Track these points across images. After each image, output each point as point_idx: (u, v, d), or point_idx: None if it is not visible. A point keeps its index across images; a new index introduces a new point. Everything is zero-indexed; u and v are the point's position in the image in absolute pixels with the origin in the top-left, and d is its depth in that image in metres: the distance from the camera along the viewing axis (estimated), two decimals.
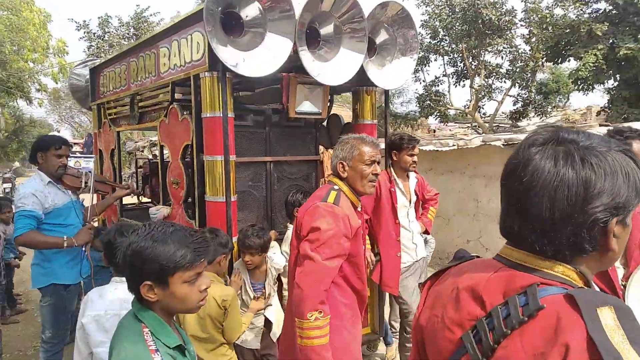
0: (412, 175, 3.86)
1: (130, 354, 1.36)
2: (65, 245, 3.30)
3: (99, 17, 20.08)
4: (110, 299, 2.26)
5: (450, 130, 19.47)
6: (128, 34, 20.30)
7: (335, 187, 2.34)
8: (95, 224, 3.57)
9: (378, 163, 2.40)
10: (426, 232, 4.00)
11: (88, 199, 3.92)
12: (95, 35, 19.81)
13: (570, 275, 0.88)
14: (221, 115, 2.91)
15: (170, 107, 3.37)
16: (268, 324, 3.14)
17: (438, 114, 16.94)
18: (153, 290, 1.40)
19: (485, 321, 0.88)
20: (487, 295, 0.92)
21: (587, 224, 0.84)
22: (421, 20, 15.55)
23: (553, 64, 14.48)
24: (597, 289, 0.90)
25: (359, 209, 2.47)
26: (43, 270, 3.42)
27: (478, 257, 1.11)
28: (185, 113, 3.25)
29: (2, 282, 4.37)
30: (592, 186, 0.83)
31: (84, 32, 19.65)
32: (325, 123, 4.17)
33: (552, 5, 12.76)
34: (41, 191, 3.35)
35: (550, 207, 0.85)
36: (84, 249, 3.51)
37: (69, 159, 3.55)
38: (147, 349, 1.37)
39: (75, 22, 19.50)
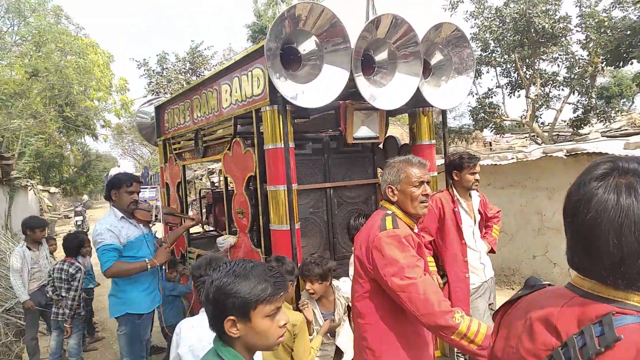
0: (474, 194, 3.80)
1: None
2: (148, 267, 3.56)
3: (157, 55, 21.20)
4: (202, 329, 2.36)
5: (507, 142, 18.93)
6: (184, 68, 21.26)
7: (389, 212, 2.31)
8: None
9: (428, 183, 2.35)
10: (491, 251, 3.89)
11: (159, 231, 4.14)
12: (154, 72, 20.88)
13: None
14: (282, 146, 3.01)
15: (234, 140, 3.51)
16: (339, 353, 3.15)
17: (493, 126, 16.51)
18: (236, 326, 1.44)
19: (561, 351, 0.88)
20: (561, 325, 0.92)
21: None
22: (471, 34, 15.33)
23: (614, 68, 13.85)
24: None
25: (415, 231, 2.45)
26: (118, 301, 3.61)
27: (550, 284, 1.10)
28: (247, 145, 3.38)
29: (82, 314, 4.64)
30: None
31: (144, 70, 20.77)
32: (382, 145, 4.19)
33: (610, 7, 12.28)
34: (115, 226, 3.58)
35: (617, 243, 0.84)
36: (160, 274, 3.71)
37: None
38: None
39: (136, 61, 20.66)
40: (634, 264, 0.84)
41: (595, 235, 0.87)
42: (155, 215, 3.94)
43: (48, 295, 4.66)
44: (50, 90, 20.28)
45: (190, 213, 4.62)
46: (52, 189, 26.13)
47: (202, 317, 2.40)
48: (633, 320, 0.83)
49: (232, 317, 1.42)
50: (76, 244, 4.82)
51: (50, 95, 20.56)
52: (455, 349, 4.08)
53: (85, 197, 33.27)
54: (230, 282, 1.43)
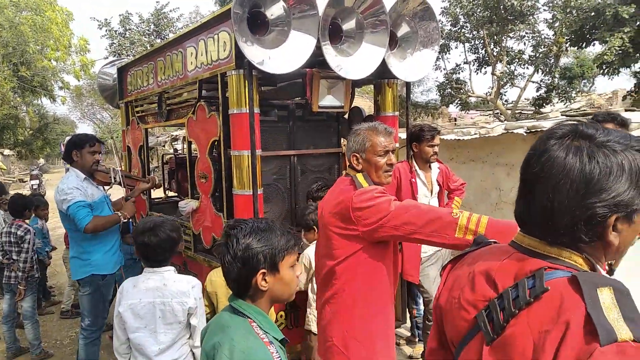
0: (434, 165, 3.90)
1: (245, 348, 1.38)
2: (121, 219, 3.65)
3: (120, 15, 20.37)
4: (144, 288, 2.41)
5: (472, 118, 19.29)
6: (149, 30, 20.56)
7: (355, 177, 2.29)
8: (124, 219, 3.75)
9: (393, 152, 2.33)
10: None
11: (114, 195, 4.13)
12: (117, 32, 20.10)
13: (577, 261, 0.93)
14: (248, 111, 3.00)
15: (198, 104, 3.48)
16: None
17: (459, 102, 16.80)
18: (265, 279, 1.48)
19: (497, 302, 0.95)
20: (499, 278, 0.99)
21: (584, 217, 0.88)
22: (441, 8, 15.40)
23: (577, 49, 14.21)
24: (603, 273, 0.95)
25: None
26: (83, 262, 3.60)
27: (495, 242, 1.18)
28: (212, 110, 3.35)
29: (36, 276, 4.56)
30: (593, 183, 0.87)
31: (106, 30, 19.96)
32: (347, 115, 4.22)
33: None
34: (81, 186, 3.55)
35: (552, 197, 0.90)
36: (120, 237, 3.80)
37: None
38: (262, 341, 1.42)
39: (97, 20, 19.81)
40: (561, 220, 0.90)
41: (536, 187, 0.94)
42: (114, 178, 3.93)
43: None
44: (4, 47, 19.30)
45: (155, 177, 4.57)
46: (6, 152, 25.18)
47: (144, 277, 2.44)
48: (562, 274, 0.90)
49: (263, 270, 1.46)
50: (21, 206, 4.69)
51: (3, 53, 19.58)
52: (408, 313, 4.26)
53: (42, 160, 32.20)
54: (260, 237, 1.47)
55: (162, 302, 2.38)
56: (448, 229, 1.94)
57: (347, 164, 2.37)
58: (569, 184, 0.88)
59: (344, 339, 2.24)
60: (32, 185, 16.60)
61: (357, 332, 2.23)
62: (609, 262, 1.02)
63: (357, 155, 2.29)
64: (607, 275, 0.93)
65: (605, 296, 0.82)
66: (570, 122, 0.98)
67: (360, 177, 2.23)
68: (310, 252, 3.09)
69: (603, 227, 0.89)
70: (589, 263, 0.94)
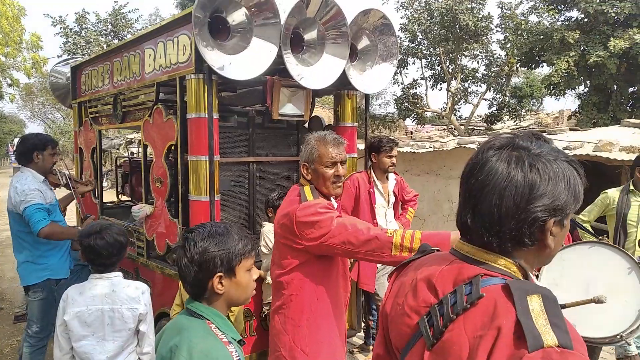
0: (391, 176, 3.98)
1: (204, 348, 1.39)
2: (78, 235, 3.42)
3: (75, 13, 19.74)
4: (91, 295, 2.34)
5: (427, 132, 19.79)
6: (106, 30, 20.03)
7: (302, 188, 2.29)
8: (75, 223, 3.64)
9: (343, 163, 2.30)
10: None
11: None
12: (72, 31, 19.47)
13: (511, 268, 0.99)
14: (206, 116, 2.98)
15: (155, 107, 3.42)
16: None
17: (415, 116, 17.19)
18: (221, 283, 1.48)
19: (437, 308, 0.99)
20: (440, 284, 1.03)
21: (528, 221, 0.94)
22: (400, 24, 15.78)
23: (527, 69, 14.88)
24: (536, 282, 1.02)
25: (334, 206, 2.44)
26: (38, 267, 3.46)
27: (438, 250, 1.23)
28: (169, 113, 3.30)
29: None
30: (536, 188, 0.94)
31: (60, 28, 19.30)
32: (307, 124, 4.26)
33: (527, 12, 13.13)
34: (41, 188, 3.45)
35: (498, 203, 0.95)
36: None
37: None
38: (220, 341, 1.43)
39: (51, 17, 19.13)
40: (507, 224, 0.95)
41: (482, 195, 0.98)
42: (61, 179, 3.86)
43: None
44: None
45: (105, 184, 4.47)
46: None
47: (91, 283, 2.37)
48: (497, 281, 0.95)
49: (220, 273, 1.47)
50: None
51: None
52: (363, 321, 4.31)
53: None
54: (217, 241, 1.48)
55: (111, 308, 2.32)
56: (384, 248, 1.99)
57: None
58: (514, 190, 0.94)
59: (291, 349, 2.24)
60: None
61: (304, 343, 2.23)
62: (540, 266, 1.09)
63: (307, 165, 2.28)
64: (538, 284, 0.99)
65: (535, 303, 0.87)
66: (505, 134, 1.05)
67: (307, 189, 2.23)
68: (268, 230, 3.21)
69: (543, 230, 0.96)
70: (522, 270, 1.00)
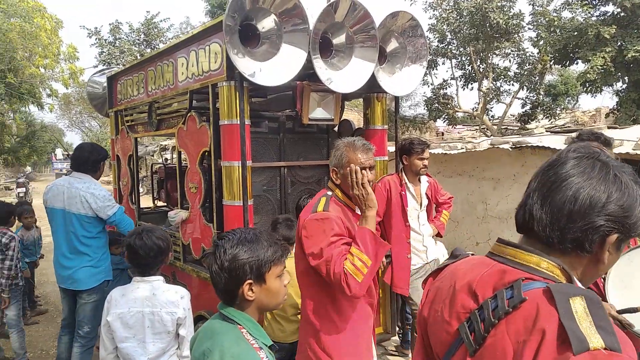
0: (423, 179, 3.94)
1: (235, 353, 1.40)
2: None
3: (110, 24, 20.36)
4: (133, 298, 2.41)
5: (458, 132, 19.52)
6: (139, 39, 20.56)
7: (329, 192, 2.34)
8: None
9: (371, 168, 2.34)
10: (438, 235, 4.07)
11: None
12: (107, 41, 20.07)
13: (554, 272, 0.98)
14: (238, 122, 3.03)
15: (189, 114, 3.50)
16: None
17: (446, 116, 17.00)
18: (252, 289, 1.50)
19: (477, 313, 0.98)
20: (480, 289, 1.02)
21: (595, 227, 0.94)
22: (429, 24, 15.64)
23: (561, 67, 14.51)
24: (580, 285, 0.98)
25: (358, 211, 2.45)
26: (97, 270, 3.63)
27: (473, 254, 1.22)
28: (203, 120, 3.38)
29: (20, 284, 4.50)
30: (614, 198, 0.95)
31: (96, 39, 19.91)
32: (336, 128, 4.28)
33: (560, 8, 12.82)
34: None
35: (573, 199, 0.95)
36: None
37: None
38: (252, 347, 1.45)
39: (87, 29, 19.77)
40: (576, 223, 0.96)
41: (558, 186, 0.98)
42: None
43: None
44: None
45: (141, 190, 4.62)
46: None
47: (133, 286, 2.44)
48: (539, 285, 0.94)
49: (250, 281, 1.48)
50: (5, 212, 4.64)
51: None
52: (397, 326, 4.28)
53: (29, 168, 31.77)
54: (246, 248, 1.49)
55: (151, 311, 2.38)
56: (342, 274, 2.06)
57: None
58: (593, 192, 0.95)
59: (315, 352, 2.28)
60: (18, 193, 16.38)
61: (326, 346, 2.26)
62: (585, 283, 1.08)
63: (336, 170, 2.33)
64: (580, 286, 0.97)
65: (578, 305, 0.86)
66: (591, 147, 1.05)
67: (322, 200, 2.28)
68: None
69: (603, 242, 0.96)
70: (565, 274, 0.98)
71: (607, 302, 2.28)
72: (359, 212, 2.44)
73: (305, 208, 2.36)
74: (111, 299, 2.47)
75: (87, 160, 3.70)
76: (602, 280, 2.29)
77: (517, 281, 0.95)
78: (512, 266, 1.01)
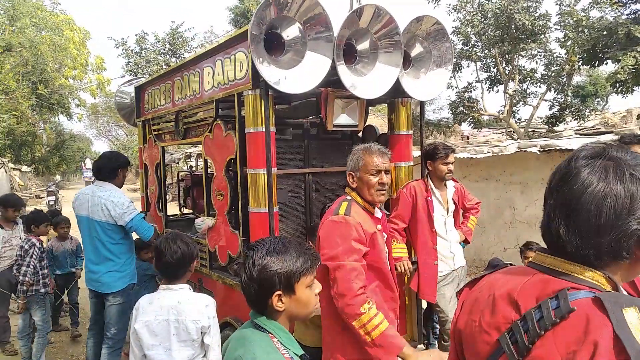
0: (450, 184, 3.89)
1: None
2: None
3: (136, 35, 20.82)
4: (159, 306, 2.44)
5: (484, 136, 19.26)
6: (164, 49, 20.94)
7: (348, 197, 2.44)
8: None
9: (387, 172, 2.43)
10: (466, 241, 4.01)
11: None
12: (133, 51, 20.50)
13: (599, 280, 0.95)
14: (264, 130, 3.05)
15: (215, 123, 3.54)
16: None
17: (471, 120, 16.78)
18: (281, 300, 1.50)
19: (520, 324, 0.96)
20: (522, 300, 0.99)
21: (628, 233, 0.91)
22: (452, 27, 15.49)
23: (590, 67, 14.18)
24: (625, 293, 0.97)
25: (377, 215, 2.55)
26: (122, 274, 3.79)
27: (512, 264, 1.19)
28: (228, 129, 3.41)
29: (42, 291, 4.46)
30: (637, 199, 0.91)
31: (122, 49, 20.36)
32: (360, 134, 4.26)
33: (588, 7, 12.55)
34: None
35: (597, 213, 0.92)
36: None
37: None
38: (283, 356, 1.45)
39: (114, 40, 20.26)
40: (606, 235, 0.93)
41: (578, 204, 0.95)
42: None
43: (13, 273, 4.62)
44: (23, 66, 19.78)
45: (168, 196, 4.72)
46: (24, 168, 25.58)
47: (160, 295, 2.47)
48: (585, 294, 0.91)
49: (279, 292, 1.48)
50: (30, 220, 4.74)
51: (23, 72, 20.05)
52: (431, 334, 4.22)
53: (58, 177, 32.58)
54: (275, 259, 1.49)
55: (176, 319, 2.40)
56: (350, 314, 2.17)
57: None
58: (614, 200, 0.92)
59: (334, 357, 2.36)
60: (48, 201, 16.79)
61: (345, 352, 2.31)
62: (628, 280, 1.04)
63: (352, 173, 2.45)
64: (631, 295, 0.95)
65: (631, 316, 0.83)
66: (597, 143, 1.02)
67: (344, 205, 2.37)
68: None
69: (639, 242, 0.93)
70: (611, 283, 0.96)
71: None
72: (377, 216, 2.48)
73: (328, 211, 2.44)
74: (139, 307, 2.50)
75: (105, 168, 3.87)
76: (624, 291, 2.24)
77: (563, 291, 0.92)
78: (555, 276, 0.99)
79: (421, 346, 4.24)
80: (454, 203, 3.88)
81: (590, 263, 0.96)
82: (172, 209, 6.61)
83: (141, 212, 4.24)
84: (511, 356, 0.96)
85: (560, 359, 0.88)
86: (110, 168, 3.86)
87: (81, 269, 5.40)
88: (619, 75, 10.88)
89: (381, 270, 2.43)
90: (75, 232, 5.72)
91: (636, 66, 10.60)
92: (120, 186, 3.90)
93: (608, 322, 0.84)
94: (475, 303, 1.14)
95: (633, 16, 11.71)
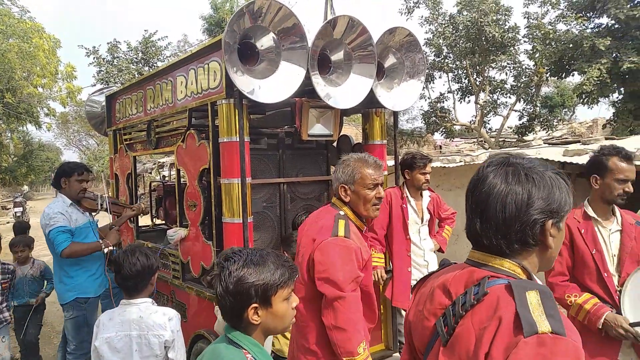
0: (425, 193, 3.93)
1: None
2: (102, 247, 3.65)
3: (108, 43, 20.45)
4: (120, 321, 2.36)
5: (456, 145, 19.55)
6: (137, 58, 20.65)
7: (341, 212, 2.24)
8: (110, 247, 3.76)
9: (381, 185, 2.29)
10: (440, 250, 4.05)
11: (102, 221, 4.12)
12: (105, 60, 20.15)
13: (515, 270, 1.12)
14: (238, 139, 3.03)
15: (188, 132, 3.50)
16: None
17: (444, 130, 17.05)
18: (257, 313, 1.46)
19: (450, 308, 1.12)
20: (453, 288, 1.17)
21: (530, 222, 1.09)
22: (425, 39, 15.77)
23: (557, 78, 14.62)
24: (539, 282, 1.11)
25: (363, 232, 2.39)
26: (66, 287, 3.64)
27: (456, 263, 1.32)
28: (202, 138, 3.37)
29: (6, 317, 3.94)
30: (533, 194, 1.09)
31: (94, 58, 20.00)
32: (335, 144, 4.27)
33: (555, 21, 12.95)
34: (66, 211, 3.62)
35: (502, 209, 1.10)
36: (105, 263, 3.77)
37: None
38: None
39: (85, 48, 19.87)
40: (512, 227, 1.10)
41: (487, 203, 1.13)
42: (101, 204, 3.97)
43: None
44: None
45: (141, 205, 4.56)
46: None
47: (120, 310, 2.39)
48: (502, 282, 1.08)
49: (255, 304, 1.45)
50: None
51: None
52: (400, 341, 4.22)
53: (26, 187, 31.71)
54: (252, 271, 1.45)
55: (138, 335, 2.32)
56: (346, 352, 2.04)
57: (334, 193, 2.34)
58: (515, 197, 1.10)
59: None
60: (15, 212, 16.31)
61: None
62: (545, 270, 1.22)
63: (346, 186, 2.23)
64: (537, 282, 1.10)
65: (532, 297, 1.00)
66: (501, 155, 1.21)
67: (341, 223, 2.17)
68: None
69: (543, 231, 1.10)
70: (526, 272, 1.13)
71: (621, 314, 2.29)
72: (366, 233, 2.41)
73: (320, 228, 2.20)
74: (99, 323, 2.42)
75: (53, 179, 3.85)
76: (617, 293, 2.33)
77: (483, 279, 1.10)
78: (479, 267, 1.16)
79: (397, 354, 4.26)
80: (429, 212, 3.92)
81: (504, 253, 1.12)
82: (144, 219, 6.50)
83: (109, 224, 4.09)
84: (443, 336, 1.11)
85: (475, 334, 1.03)
86: (55, 179, 3.79)
87: (46, 294, 4.63)
88: (584, 87, 11.24)
89: (369, 292, 2.31)
90: (41, 252, 5.28)
91: (601, 78, 10.97)
92: (71, 196, 3.70)
93: (513, 302, 1.00)
94: (421, 296, 1.30)
95: (597, 30, 12.14)
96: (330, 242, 2.11)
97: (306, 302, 2.18)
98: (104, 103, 5.13)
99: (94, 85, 19.80)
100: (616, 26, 11.63)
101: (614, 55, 11.17)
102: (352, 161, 2.26)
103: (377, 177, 2.23)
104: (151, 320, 2.34)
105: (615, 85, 11.65)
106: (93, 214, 3.99)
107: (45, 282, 4.67)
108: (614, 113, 12.91)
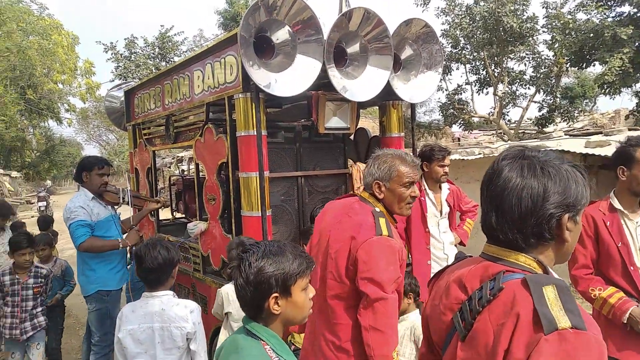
0: (444, 186, 3.90)
1: None
2: (120, 246, 3.71)
3: (125, 39, 20.65)
4: (142, 313, 2.39)
5: (475, 138, 19.36)
6: (153, 53, 20.84)
7: (377, 209, 2.17)
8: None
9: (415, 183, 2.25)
10: (461, 243, 4.02)
11: (124, 214, 4.19)
12: (122, 56, 20.37)
13: (531, 264, 1.11)
14: (255, 133, 3.05)
15: (206, 127, 3.53)
16: None
17: (462, 122, 16.87)
18: (278, 303, 1.48)
19: (467, 303, 1.13)
20: (469, 283, 1.17)
21: (546, 217, 1.08)
22: (441, 30, 15.58)
23: (577, 69, 14.34)
24: (555, 276, 1.11)
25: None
26: (88, 279, 3.70)
27: (471, 256, 1.32)
28: (219, 132, 3.40)
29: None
30: (549, 188, 1.08)
31: (112, 54, 20.23)
32: (352, 137, 4.27)
33: (574, 10, 12.68)
34: (87, 204, 3.68)
35: (518, 203, 1.09)
36: (128, 256, 3.86)
37: None
38: None
39: (103, 44, 20.10)
40: (528, 221, 1.09)
41: (502, 197, 1.11)
42: (123, 198, 4.01)
43: None
44: (11, 71, 19.57)
45: (160, 198, 4.62)
46: (14, 174, 25.33)
47: (142, 302, 2.42)
48: (517, 276, 1.07)
49: (276, 294, 1.47)
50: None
51: (11, 77, 19.84)
52: None
53: (49, 182, 32.24)
54: (271, 261, 1.47)
55: (160, 327, 2.36)
56: (380, 355, 2.00)
57: (357, 186, 2.30)
58: (530, 191, 1.08)
59: None
60: (39, 207, 16.63)
61: None
62: (561, 262, 1.20)
63: (380, 183, 2.17)
64: (556, 276, 1.10)
65: (549, 292, 0.99)
66: (516, 147, 1.20)
67: (382, 221, 2.12)
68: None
69: (560, 225, 1.09)
70: (541, 266, 1.12)
71: None
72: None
73: (360, 226, 2.13)
74: (122, 316, 2.46)
75: (75, 173, 3.92)
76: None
77: (499, 273, 1.09)
78: (495, 261, 1.15)
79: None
80: (449, 205, 3.89)
81: (520, 247, 1.11)
82: (164, 213, 6.59)
83: (132, 216, 4.18)
84: (460, 331, 1.12)
85: (492, 330, 1.03)
86: (77, 173, 3.86)
87: (62, 296, 4.52)
88: (606, 77, 11.00)
89: (400, 291, 2.25)
90: (65, 245, 5.34)
91: (623, 67, 10.73)
92: (94, 189, 3.74)
93: (530, 298, 0.99)
94: (437, 290, 1.30)
95: (618, 18, 11.85)
96: (376, 241, 2.06)
97: (340, 299, 2.15)
98: (122, 98, 5.19)
99: (112, 80, 20.04)
100: (638, 14, 11.35)
101: (637, 44, 10.91)
102: (389, 157, 2.19)
103: (413, 175, 2.17)
104: (173, 312, 2.38)
105: (638, 74, 11.38)
106: (115, 207, 4.05)
107: (64, 282, 4.58)
108: (637, 103, 12.64)
